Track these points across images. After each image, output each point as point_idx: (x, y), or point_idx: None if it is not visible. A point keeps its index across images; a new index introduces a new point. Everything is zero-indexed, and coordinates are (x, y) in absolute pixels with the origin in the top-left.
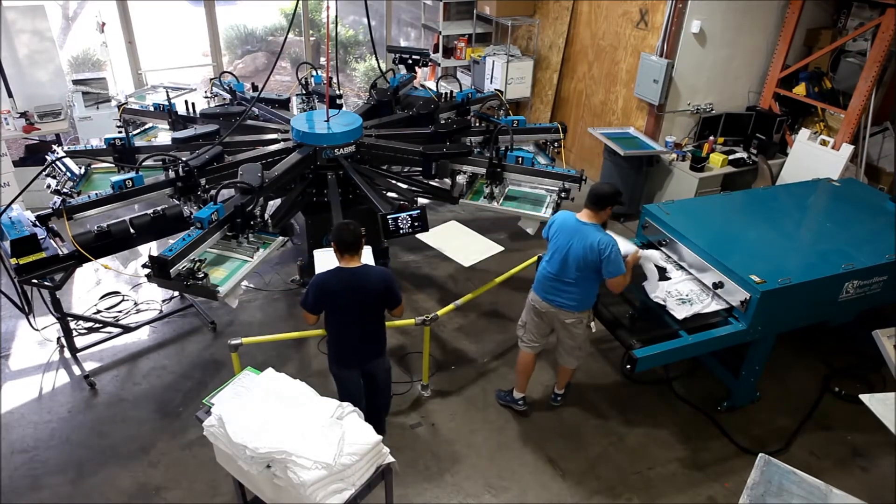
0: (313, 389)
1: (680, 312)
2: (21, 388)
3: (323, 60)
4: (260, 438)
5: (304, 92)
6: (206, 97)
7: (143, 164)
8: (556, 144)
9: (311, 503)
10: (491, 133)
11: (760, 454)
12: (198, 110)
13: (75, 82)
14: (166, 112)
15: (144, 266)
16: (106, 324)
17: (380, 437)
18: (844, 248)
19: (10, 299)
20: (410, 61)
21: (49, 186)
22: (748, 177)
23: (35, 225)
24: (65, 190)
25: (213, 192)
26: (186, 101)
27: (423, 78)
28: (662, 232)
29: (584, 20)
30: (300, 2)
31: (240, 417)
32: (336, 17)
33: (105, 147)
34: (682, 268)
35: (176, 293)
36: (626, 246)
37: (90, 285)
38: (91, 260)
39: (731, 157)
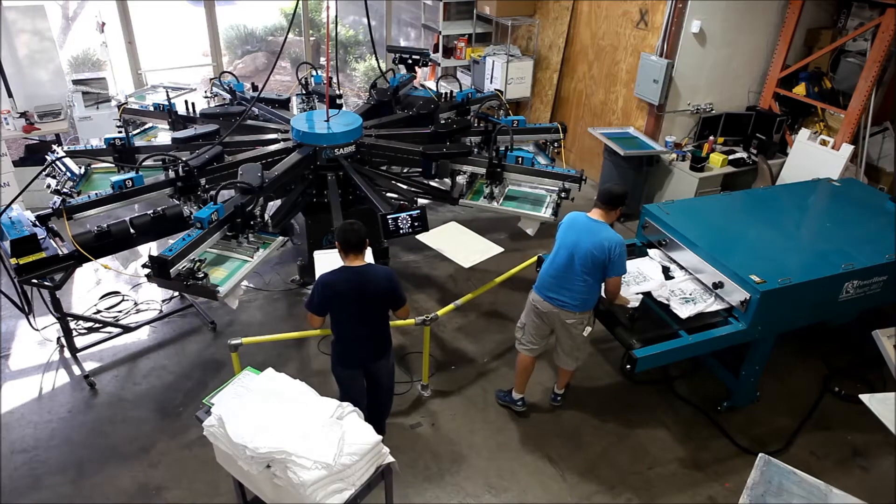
0: (313, 389)
1: (683, 311)
2: (21, 388)
3: (323, 60)
4: (260, 438)
5: (304, 92)
6: (206, 97)
7: (143, 164)
8: (555, 144)
9: (311, 503)
10: (491, 133)
11: (760, 454)
12: (198, 110)
13: (75, 82)
14: (166, 112)
15: (144, 266)
16: (106, 324)
17: (380, 437)
18: (844, 248)
19: (10, 299)
20: (410, 61)
21: (49, 186)
22: (748, 177)
23: (35, 225)
24: (65, 190)
25: (213, 192)
26: (186, 101)
27: (423, 78)
28: (662, 232)
29: (584, 20)
30: (300, 2)
31: (240, 417)
32: (336, 17)
33: (105, 147)
34: (681, 268)
35: (176, 293)
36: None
37: (90, 285)
38: (91, 260)
39: (731, 157)
